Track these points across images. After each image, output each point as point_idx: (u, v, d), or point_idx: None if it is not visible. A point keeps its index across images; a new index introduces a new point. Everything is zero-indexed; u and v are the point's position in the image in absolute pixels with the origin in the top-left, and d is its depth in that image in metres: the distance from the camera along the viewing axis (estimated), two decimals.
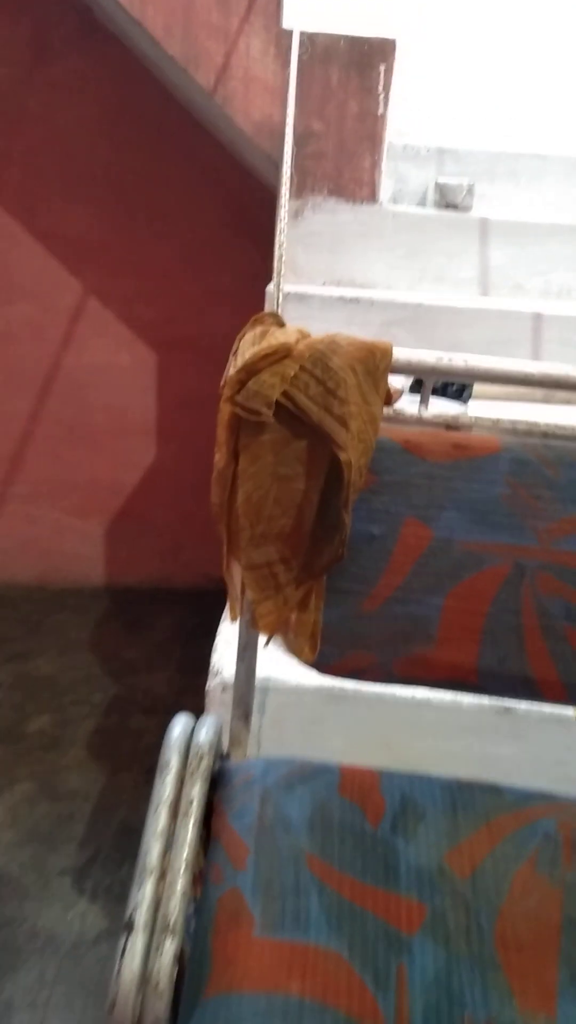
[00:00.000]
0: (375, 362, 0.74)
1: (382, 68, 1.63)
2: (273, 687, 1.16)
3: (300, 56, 1.57)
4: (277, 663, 1.16)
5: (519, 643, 0.82)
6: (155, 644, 2.15)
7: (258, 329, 0.76)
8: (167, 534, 2.39)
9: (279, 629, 0.80)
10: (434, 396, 1.45)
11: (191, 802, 0.72)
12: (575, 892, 0.74)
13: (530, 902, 0.73)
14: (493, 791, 0.84)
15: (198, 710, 1.01)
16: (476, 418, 0.78)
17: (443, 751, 1.16)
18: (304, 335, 0.75)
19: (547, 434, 0.76)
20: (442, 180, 1.78)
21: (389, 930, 0.71)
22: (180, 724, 0.80)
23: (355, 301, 1.61)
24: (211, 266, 2.17)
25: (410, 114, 2.04)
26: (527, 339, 1.63)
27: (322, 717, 1.18)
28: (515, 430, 0.77)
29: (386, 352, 0.74)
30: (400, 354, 0.75)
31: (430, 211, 1.78)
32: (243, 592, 0.82)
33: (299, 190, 1.68)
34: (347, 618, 0.82)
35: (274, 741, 1.19)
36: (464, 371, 0.76)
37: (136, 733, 1.80)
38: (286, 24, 1.60)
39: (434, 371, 0.77)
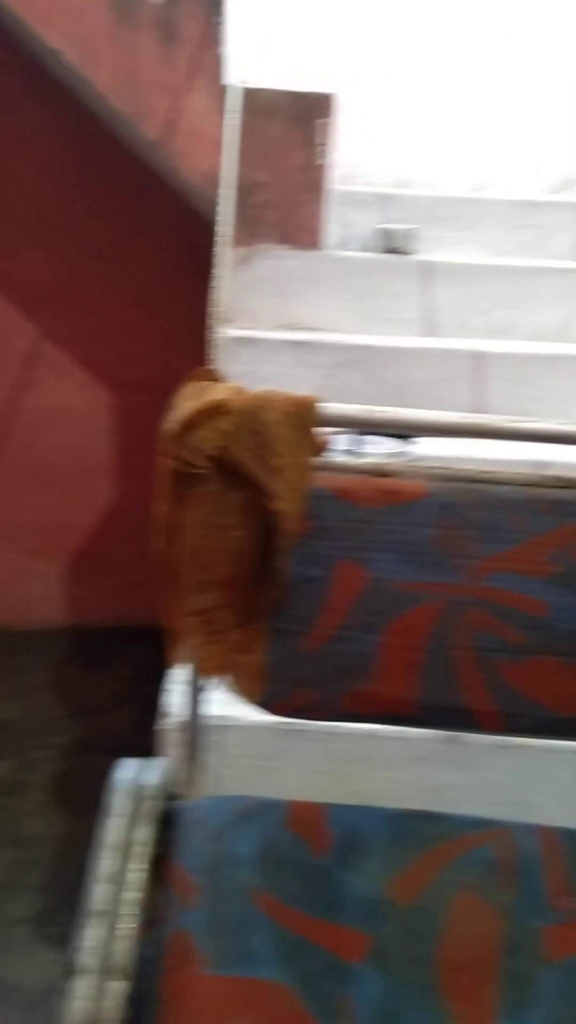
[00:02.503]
0: (305, 415, 0.78)
1: (323, 122, 1.70)
2: (226, 726, 1.18)
3: (243, 111, 1.63)
4: (229, 702, 1.19)
5: (455, 676, 0.85)
6: (117, 683, 2.15)
7: (195, 385, 0.80)
8: (127, 572, 2.39)
9: (223, 671, 0.83)
10: (381, 436, 1.50)
11: (137, 844, 0.74)
12: (512, 915, 0.77)
13: (469, 926, 0.76)
14: (435, 819, 0.87)
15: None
16: (404, 464, 0.82)
17: (395, 781, 1.19)
18: (239, 391, 0.79)
19: (470, 479, 0.81)
20: (384, 226, 1.85)
21: (335, 961, 0.73)
22: (126, 767, 0.82)
23: (304, 344, 1.66)
24: (167, 308, 2.20)
25: (355, 160, 2.11)
26: (470, 377, 1.69)
27: (276, 754, 1.20)
28: (441, 475, 0.81)
29: (314, 405, 0.78)
30: (329, 407, 0.80)
31: (374, 256, 1.84)
32: (187, 636, 0.85)
33: (248, 237, 1.74)
34: (289, 658, 0.85)
35: (230, 779, 1.21)
36: (391, 422, 0.80)
37: (99, 774, 1.76)
38: (227, 80, 1.67)
39: (362, 423, 0.81)
